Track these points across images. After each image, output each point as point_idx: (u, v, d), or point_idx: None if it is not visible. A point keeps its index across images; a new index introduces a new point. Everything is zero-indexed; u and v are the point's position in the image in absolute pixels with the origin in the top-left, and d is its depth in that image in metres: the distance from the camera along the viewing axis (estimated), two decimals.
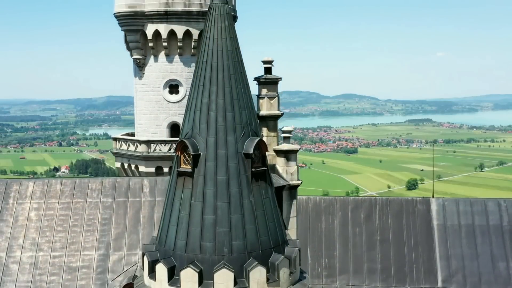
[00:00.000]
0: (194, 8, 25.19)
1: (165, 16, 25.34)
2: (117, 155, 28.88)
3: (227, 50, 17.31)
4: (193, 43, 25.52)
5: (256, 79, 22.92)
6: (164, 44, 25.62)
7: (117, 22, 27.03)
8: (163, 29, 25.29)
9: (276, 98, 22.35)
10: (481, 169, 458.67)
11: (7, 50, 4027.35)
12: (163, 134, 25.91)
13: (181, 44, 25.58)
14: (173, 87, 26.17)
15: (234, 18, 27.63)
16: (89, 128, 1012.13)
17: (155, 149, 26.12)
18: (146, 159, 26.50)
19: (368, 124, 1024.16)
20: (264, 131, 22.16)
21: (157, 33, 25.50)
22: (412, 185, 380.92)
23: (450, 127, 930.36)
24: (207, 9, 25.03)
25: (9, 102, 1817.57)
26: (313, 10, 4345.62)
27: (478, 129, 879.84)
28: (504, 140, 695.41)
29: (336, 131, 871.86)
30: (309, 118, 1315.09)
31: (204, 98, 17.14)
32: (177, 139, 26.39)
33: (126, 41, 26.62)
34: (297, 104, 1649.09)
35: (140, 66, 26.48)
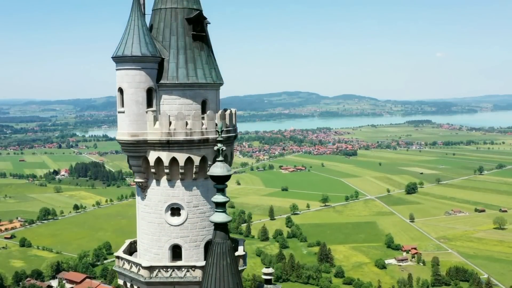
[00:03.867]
0: (196, 137, 25.43)
1: (167, 145, 25.67)
2: (120, 273, 29.15)
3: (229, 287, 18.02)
4: (194, 169, 25.88)
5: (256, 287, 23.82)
6: (166, 170, 26.01)
7: (120, 146, 27.40)
8: (165, 156, 25.66)
9: None
10: (480, 172, 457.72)
11: (7, 50, 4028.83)
12: (165, 255, 26.19)
13: (182, 171, 25.94)
14: (175, 210, 26.48)
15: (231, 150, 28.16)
16: (88, 129, 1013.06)
17: (157, 274, 26.36)
18: (148, 284, 26.83)
19: (368, 125, 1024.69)
20: None
21: (159, 160, 25.84)
22: (411, 189, 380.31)
23: (449, 129, 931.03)
24: (208, 136, 25.61)
25: (9, 102, 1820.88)
26: (313, 10, 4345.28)
27: (477, 130, 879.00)
28: (503, 142, 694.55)
29: (335, 132, 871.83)
30: (309, 119, 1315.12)
31: None
32: (178, 264, 26.72)
33: (128, 163, 27.00)
34: (297, 105, 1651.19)
35: (142, 188, 26.85)
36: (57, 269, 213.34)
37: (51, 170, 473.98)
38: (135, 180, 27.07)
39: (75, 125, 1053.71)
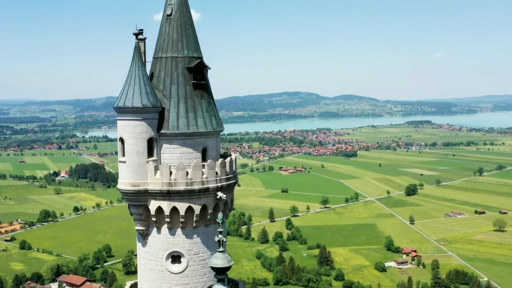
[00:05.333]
0: (196, 187, 25.81)
1: (167, 194, 26.07)
2: None
3: None
4: (195, 217, 26.22)
5: None
6: (167, 219, 26.39)
7: (121, 195, 27.80)
8: (166, 206, 26.11)
9: None
10: (480, 173, 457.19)
11: (7, 50, 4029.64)
12: None
13: (183, 220, 26.27)
14: (176, 258, 26.79)
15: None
16: (88, 130, 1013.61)
17: None
18: None
19: (368, 126, 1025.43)
20: None
21: (159, 209, 26.26)
22: (411, 191, 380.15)
23: (449, 129, 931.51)
24: (208, 186, 25.87)
25: (9, 103, 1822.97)
26: (313, 11, 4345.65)
27: (477, 131, 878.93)
28: (503, 143, 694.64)
29: (335, 133, 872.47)
30: (309, 119, 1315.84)
31: None
32: None
33: (129, 210, 27.41)
34: (297, 105, 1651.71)
35: (143, 235, 27.20)
36: (57, 272, 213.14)
37: (51, 172, 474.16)
38: (136, 227, 27.26)
39: (75, 126, 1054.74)
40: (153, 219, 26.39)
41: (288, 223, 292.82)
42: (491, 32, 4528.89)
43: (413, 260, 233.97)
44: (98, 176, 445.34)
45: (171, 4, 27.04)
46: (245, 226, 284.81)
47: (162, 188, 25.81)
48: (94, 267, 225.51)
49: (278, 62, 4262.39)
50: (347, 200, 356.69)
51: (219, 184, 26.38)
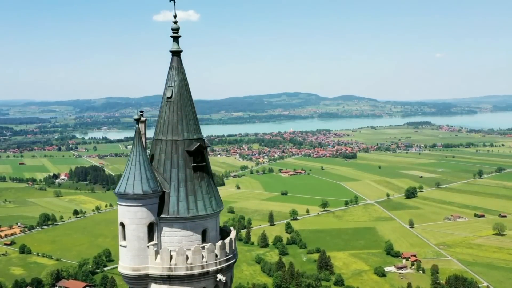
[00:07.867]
0: (196, 271, 26.18)
1: (168, 279, 26.52)
2: None
3: None
4: None
5: None
6: None
7: (122, 277, 28.34)
8: None
9: None
10: (480, 175, 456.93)
11: (7, 50, 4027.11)
12: None
13: None
14: None
15: None
16: (88, 131, 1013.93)
17: None
18: None
19: (367, 127, 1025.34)
20: None
21: None
22: (411, 194, 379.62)
23: (449, 130, 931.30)
24: (208, 269, 26.20)
25: (8, 103, 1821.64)
26: (312, 11, 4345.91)
27: (477, 132, 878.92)
28: (503, 145, 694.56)
29: (335, 134, 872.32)
30: (308, 120, 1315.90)
31: None
32: None
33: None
34: (296, 106, 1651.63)
35: None
36: (57, 277, 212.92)
37: (51, 174, 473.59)
38: None
39: (75, 127, 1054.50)
40: None
41: (288, 227, 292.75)
42: (491, 32, 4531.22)
43: (412, 264, 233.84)
44: (98, 179, 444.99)
45: (171, 86, 27.11)
46: (244, 230, 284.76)
47: (163, 273, 26.21)
48: (94, 272, 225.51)
49: (277, 63, 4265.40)
50: (346, 203, 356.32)
51: (218, 267, 26.58)
